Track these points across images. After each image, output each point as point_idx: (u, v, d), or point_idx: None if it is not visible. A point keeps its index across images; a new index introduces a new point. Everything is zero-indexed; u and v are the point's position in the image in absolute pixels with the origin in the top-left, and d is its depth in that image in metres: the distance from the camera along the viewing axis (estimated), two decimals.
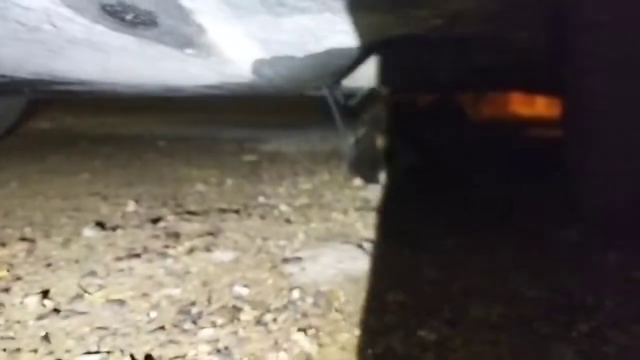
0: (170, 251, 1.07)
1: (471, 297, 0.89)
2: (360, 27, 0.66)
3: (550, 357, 0.71)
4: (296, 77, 0.89)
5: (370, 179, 1.75)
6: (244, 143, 2.74)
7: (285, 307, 0.86)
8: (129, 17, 0.56)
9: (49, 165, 2.11)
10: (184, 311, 0.83)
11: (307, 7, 0.58)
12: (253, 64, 0.79)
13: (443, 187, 1.75)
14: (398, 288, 0.92)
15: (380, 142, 1.76)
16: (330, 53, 0.77)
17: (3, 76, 1.09)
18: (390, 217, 1.36)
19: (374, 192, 1.63)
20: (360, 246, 1.11)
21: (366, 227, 1.28)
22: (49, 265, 1.01)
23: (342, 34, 0.69)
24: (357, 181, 1.76)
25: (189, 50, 0.67)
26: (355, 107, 1.80)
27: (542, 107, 4.17)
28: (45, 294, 0.88)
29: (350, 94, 1.79)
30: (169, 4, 0.57)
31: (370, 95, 1.74)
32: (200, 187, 1.74)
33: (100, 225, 1.26)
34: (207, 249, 1.09)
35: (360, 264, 1.03)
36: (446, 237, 1.19)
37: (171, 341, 0.74)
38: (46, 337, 0.75)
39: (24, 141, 2.53)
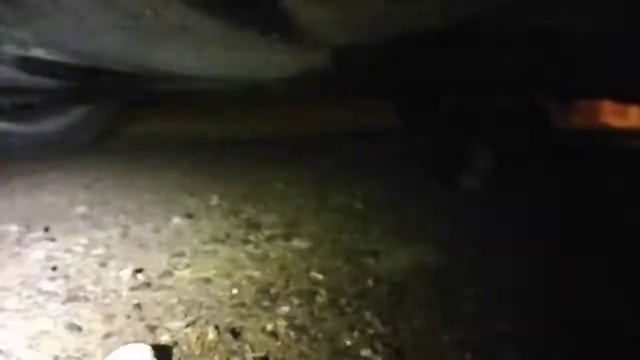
0: (251, 238, 1.12)
1: (553, 299, 0.85)
2: (436, 7, 0.66)
3: None
4: (372, 70, 0.90)
5: (447, 182, 1.71)
6: (326, 145, 2.79)
7: (360, 293, 0.86)
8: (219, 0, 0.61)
9: (140, 164, 2.28)
10: (263, 290, 0.86)
11: None
12: (333, 51, 0.81)
13: (522, 194, 1.68)
14: (473, 283, 0.90)
15: (458, 144, 1.72)
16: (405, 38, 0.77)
17: (103, 73, 1.20)
18: (465, 219, 1.33)
19: (450, 194, 1.59)
20: (435, 244, 1.09)
21: (441, 227, 1.26)
22: (141, 246, 1.09)
23: (419, 18, 0.70)
24: (433, 183, 1.73)
25: (274, 35, 0.70)
26: (431, 110, 1.78)
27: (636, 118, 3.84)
28: (137, 270, 0.95)
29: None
30: None
31: (451, 96, 1.71)
32: (279, 185, 1.79)
33: (188, 215, 1.34)
34: (286, 238, 1.12)
35: (435, 259, 1.01)
36: (521, 241, 1.14)
37: (251, 315, 0.77)
38: (138, 306, 0.81)
39: (118, 143, 2.74)
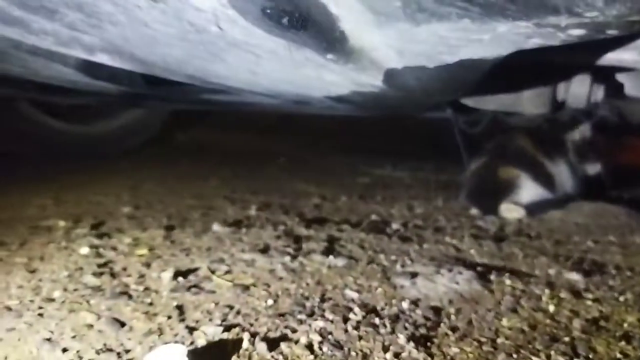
0: (289, 250, 1.13)
1: (592, 333, 0.82)
2: (495, 36, 0.66)
3: None
4: (424, 89, 0.91)
5: (488, 210, 1.69)
6: (358, 166, 2.80)
7: (395, 315, 0.86)
8: (284, 20, 0.63)
9: (183, 171, 2.34)
10: (299, 303, 0.87)
11: (447, 14, 0.60)
12: (385, 73, 0.82)
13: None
14: (514, 315, 0.88)
15: (501, 172, 1.69)
16: (461, 65, 0.78)
17: (159, 83, 1.25)
18: (507, 248, 1.30)
19: (491, 222, 1.57)
20: (474, 271, 1.08)
21: (481, 254, 1.24)
22: (183, 250, 1.12)
23: (477, 44, 0.70)
24: (474, 211, 1.71)
25: (329, 56, 0.72)
26: (478, 135, 1.76)
27: None
28: (179, 272, 0.97)
29: (474, 121, 1.76)
30: (320, 10, 0.63)
31: (495, 122, 1.69)
32: (316, 200, 1.81)
33: (227, 223, 1.37)
34: (323, 253, 1.13)
35: (473, 286, 1.00)
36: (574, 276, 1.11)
37: (286, 327, 0.78)
38: (178, 307, 0.83)
39: (162, 150, 2.83)
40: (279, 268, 1.03)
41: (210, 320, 0.79)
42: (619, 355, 0.75)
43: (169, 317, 0.79)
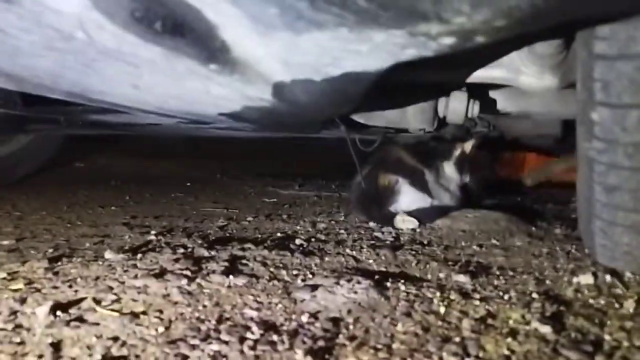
0: (187, 273, 1.04)
1: (481, 332, 0.83)
2: (373, 47, 0.65)
3: None
4: (314, 104, 0.88)
5: (376, 218, 1.72)
6: (267, 188, 2.74)
7: (294, 330, 0.81)
8: (157, 25, 0.57)
9: (79, 198, 2.14)
10: (193, 328, 0.79)
11: (324, 22, 0.58)
12: (274, 86, 0.79)
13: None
14: (408, 320, 0.87)
15: (381, 180, 1.72)
16: (346, 78, 0.76)
17: (40, 103, 1.12)
18: (402, 256, 1.31)
19: (388, 233, 1.58)
20: (372, 279, 1.06)
21: (378, 263, 1.23)
22: (66, 281, 0.99)
23: (357, 56, 0.69)
24: (372, 223, 1.72)
25: (212, 66, 0.67)
26: (371, 153, 1.79)
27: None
28: (58, 306, 0.85)
29: (368, 141, 1.78)
30: (194, 16, 0.58)
31: (386, 141, 1.73)
32: (222, 222, 1.73)
33: (123, 250, 1.25)
34: (223, 273, 1.05)
35: (371, 295, 0.98)
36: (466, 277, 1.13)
37: (177, 354, 0.70)
38: (53, 345, 0.72)
39: (57, 176, 2.58)
40: (174, 292, 0.93)
41: (90, 355, 0.69)
42: (506, 352, 0.76)
43: (41, 357, 0.68)
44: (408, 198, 1.71)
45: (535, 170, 2.30)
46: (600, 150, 0.94)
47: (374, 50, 0.66)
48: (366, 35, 0.61)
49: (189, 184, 2.78)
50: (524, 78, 1.18)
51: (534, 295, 1.00)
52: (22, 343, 0.72)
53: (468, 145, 1.80)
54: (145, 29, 0.57)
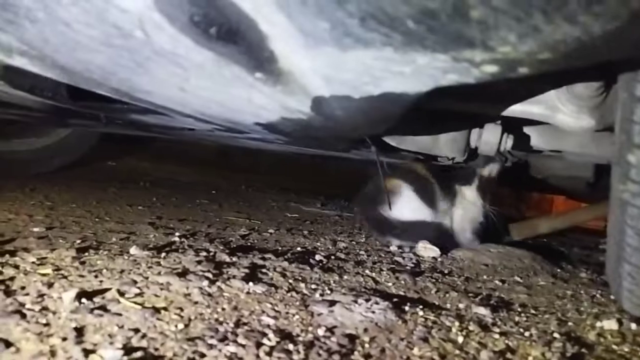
0: (208, 275, 1.06)
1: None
2: (415, 69, 0.67)
3: None
4: (350, 121, 0.90)
5: (370, 220, 1.73)
6: (289, 203, 2.77)
7: (310, 342, 0.81)
8: (212, 30, 0.60)
9: (108, 195, 2.20)
10: (211, 328, 0.80)
11: (371, 40, 0.60)
12: (313, 100, 0.81)
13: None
14: (425, 345, 0.86)
15: (387, 184, 1.70)
16: (384, 98, 0.78)
17: (85, 98, 1.17)
18: (421, 282, 1.30)
19: (409, 259, 1.58)
20: (390, 302, 1.06)
21: (397, 287, 1.23)
22: (92, 271, 1.02)
23: (399, 77, 0.70)
24: (393, 247, 1.72)
25: (258, 75, 0.70)
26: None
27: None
28: (83, 293, 0.87)
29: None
30: (248, 25, 0.61)
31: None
32: (244, 231, 1.75)
33: (147, 247, 1.27)
34: (243, 279, 1.07)
35: (388, 316, 0.97)
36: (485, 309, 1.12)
37: (195, 351, 0.71)
38: (77, 329, 0.74)
39: (89, 172, 2.66)
40: (195, 292, 0.95)
41: (111, 343, 0.71)
42: None
43: (64, 339, 0.70)
44: (406, 204, 1.67)
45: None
46: (635, 194, 0.93)
47: (416, 72, 0.68)
48: (410, 57, 0.63)
49: (214, 192, 2.82)
50: (560, 116, 1.18)
51: (556, 335, 0.98)
52: (47, 325, 0.74)
53: (488, 170, 1.74)
54: (200, 33, 0.60)
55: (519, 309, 1.16)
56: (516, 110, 1.20)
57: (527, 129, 1.40)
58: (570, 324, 1.08)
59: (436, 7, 0.52)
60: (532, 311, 1.16)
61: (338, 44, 0.62)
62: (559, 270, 1.67)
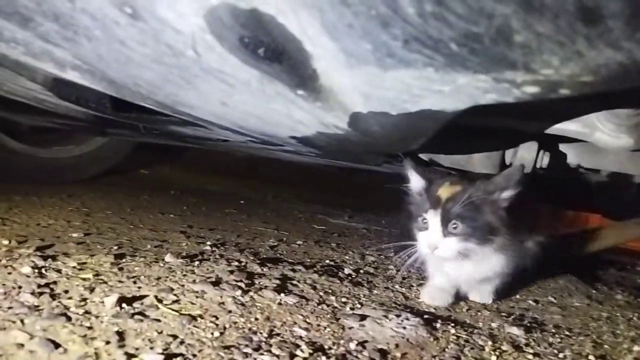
0: (241, 285, 1.09)
1: None
2: (455, 88, 0.68)
3: None
4: (386, 136, 0.92)
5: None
6: (316, 215, 2.79)
7: (342, 355, 0.83)
8: (260, 51, 0.64)
9: (141, 203, 2.26)
10: (246, 337, 0.83)
11: (413, 61, 0.62)
12: (351, 116, 0.83)
13: None
14: None
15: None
16: (422, 115, 0.79)
17: (127, 109, 1.22)
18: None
19: None
20: (421, 318, 1.06)
21: (427, 304, 1.23)
22: (130, 277, 1.06)
23: (438, 95, 0.72)
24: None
25: (300, 91, 0.72)
26: None
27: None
28: (123, 299, 0.91)
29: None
30: (295, 46, 0.64)
31: None
32: (273, 242, 1.77)
33: (181, 255, 1.31)
34: (275, 290, 1.09)
35: (419, 333, 0.98)
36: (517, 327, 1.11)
37: (231, 359, 0.74)
38: (119, 333, 0.77)
39: (123, 180, 2.74)
40: (229, 301, 0.98)
41: (152, 348, 0.74)
42: None
43: (108, 343, 0.73)
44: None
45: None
46: None
47: (455, 91, 0.69)
48: (451, 77, 0.64)
49: (242, 201, 2.87)
50: (599, 135, 1.17)
51: (591, 357, 0.97)
52: (91, 328, 0.78)
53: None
54: (249, 53, 0.64)
55: (553, 330, 1.15)
56: (554, 127, 1.19)
57: (563, 147, 1.39)
58: (605, 346, 1.07)
59: (480, 32, 0.54)
60: (566, 332, 1.15)
61: (380, 64, 0.65)
62: (594, 291, 1.63)
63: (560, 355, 0.98)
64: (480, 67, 0.60)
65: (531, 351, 0.98)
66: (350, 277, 1.38)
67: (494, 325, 1.11)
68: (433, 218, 1.09)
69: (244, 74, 0.70)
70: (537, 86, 0.62)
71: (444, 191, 1.13)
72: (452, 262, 1.13)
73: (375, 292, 1.26)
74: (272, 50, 0.63)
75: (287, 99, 0.77)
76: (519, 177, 1.13)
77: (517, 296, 1.43)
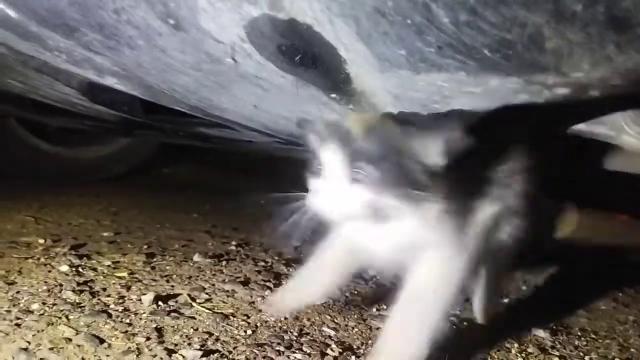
0: (269, 284, 1.12)
1: None
2: (486, 89, 0.70)
3: None
4: None
5: None
6: None
7: (370, 354, 0.85)
8: (297, 58, 0.66)
9: (165, 202, 2.31)
10: (277, 335, 0.86)
11: (446, 65, 0.64)
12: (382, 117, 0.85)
13: None
14: None
15: None
16: (451, 113, 0.81)
17: (157, 112, 1.26)
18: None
19: None
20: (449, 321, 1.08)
21: (453, 307, 1.24)
22: (163, 276, 1.10)
23: (469, 96, 0.74)
24: None
25: (333, 95, 0.75)
26: None
27: None
28: (159, 297, 0.95)
29: None
30: (329, 52, 0.67)
31: None
32: (295, 242, 1.80)
33: (208, 255, 1.35)
34: None
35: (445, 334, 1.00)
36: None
37: (265, 356, 0.77)
38: (157, 330, 0.81)
39: (147, 180, 2.80)
40: (258, 300, 1.01)
41: (190, 344, 0.77)
42: None
43: (148, 339, 0.77)
44: None
45: None
46: None
47: (486, 92, 0.71)
48: (482, 79, 0.67)
49: (262, 202, 2.90)
50: (625, 137, 1.17)
51: None
52: (131, 324, 0.82)
53: None
54: (286, 60, 0.67)
55: (579, 333, 1.16)
56: (579, 129, 1.20)
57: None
58: (632, 350, 1.07)
59: (513, 38, 0.56)
60: (593, 335, 1.15)
61: (412, 68, 0.67)
62: (620, 293, 1.63)
63: (587, 358, 0.99)
64: (512, 70, 0.62)
65: (557, 354, 0.99)
66: (374, 279, 1.40)
67: (519, 327, 1.13)
68: (333, 156, 0.73)
69: (279, 79, 0.73)
70: (567, 88, 0.64)
71: (356, 123, 0.76)
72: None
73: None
74: (308, 57, 0.66)
75: (320, 102, 0.80)
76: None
77: (542, 298, 1.43)
